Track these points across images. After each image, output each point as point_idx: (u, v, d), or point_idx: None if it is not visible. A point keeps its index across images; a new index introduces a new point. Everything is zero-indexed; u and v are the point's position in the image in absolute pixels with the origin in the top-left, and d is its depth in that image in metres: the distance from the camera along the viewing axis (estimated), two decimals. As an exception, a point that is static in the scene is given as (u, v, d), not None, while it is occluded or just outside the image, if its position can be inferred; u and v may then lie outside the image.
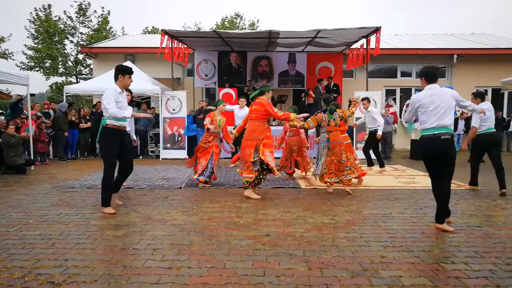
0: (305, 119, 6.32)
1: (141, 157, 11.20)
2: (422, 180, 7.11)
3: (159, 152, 11.05)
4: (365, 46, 11.07)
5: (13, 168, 7.91)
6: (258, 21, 33.60)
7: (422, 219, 4.40)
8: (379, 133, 7.86)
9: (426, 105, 3.99)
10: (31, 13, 23.05)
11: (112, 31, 25.60)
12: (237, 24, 30.07)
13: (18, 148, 8.06)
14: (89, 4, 23.89)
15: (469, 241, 3.64)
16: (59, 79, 26.17)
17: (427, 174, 4.12)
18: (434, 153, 3.95)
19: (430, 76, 4.11)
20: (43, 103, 11.46)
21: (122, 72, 4.70)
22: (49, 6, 23.25)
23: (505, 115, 14.14)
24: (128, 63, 12.29)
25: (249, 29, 28.52)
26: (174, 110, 10.98)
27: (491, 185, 6.52)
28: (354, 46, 12.10)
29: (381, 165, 8.20)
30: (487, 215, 4.64)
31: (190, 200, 5.46)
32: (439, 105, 3.95)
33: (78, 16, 23.93)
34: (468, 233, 3.89)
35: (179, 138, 10.98)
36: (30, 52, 22.98)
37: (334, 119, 6.02)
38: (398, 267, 3.00)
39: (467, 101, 4.45)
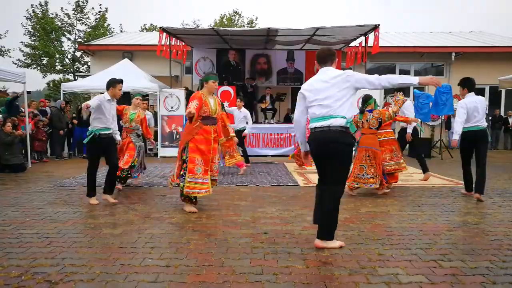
0: None
1: None
2: (419, 178, 7.11)
3: (157, 150, 11.04)
4: (363, 44, 11.06)
5: (8, 168, 7.88)
6: (256, 18, 33.56)
7: (419, 217, 4.41)
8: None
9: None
10: (27, 10, 22.90)
11: (110, 29, 25.47)
12: (236, 21, 29.95)
13: (13, 147, 8.02)
14: (86, 1, 23.78)
15: (466, 238, 3.65)
16: (56, 77, 26.02)
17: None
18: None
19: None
20: (39, 101, 11.38)
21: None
22: (46, 3, 23.12)
23: (502, 113, 14.16)
24: (126, 61, 12.35)
25: (247, 26, 28.42)
26: (172, 108, 10.95)
27: (489, 183, 6.53)
28: (352, 44, 12.08)
29: None
30: (484, 212, 4.66)
31: (188, 198, 5.44)
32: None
33: (76, 13, 23.78)
34: (465, 230, 3.91)
35: (177, 136, 10.95)
36: (27, 49, 22.86)
37: (367, 121, 5.45)
38: (396, 264, 3.01)
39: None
